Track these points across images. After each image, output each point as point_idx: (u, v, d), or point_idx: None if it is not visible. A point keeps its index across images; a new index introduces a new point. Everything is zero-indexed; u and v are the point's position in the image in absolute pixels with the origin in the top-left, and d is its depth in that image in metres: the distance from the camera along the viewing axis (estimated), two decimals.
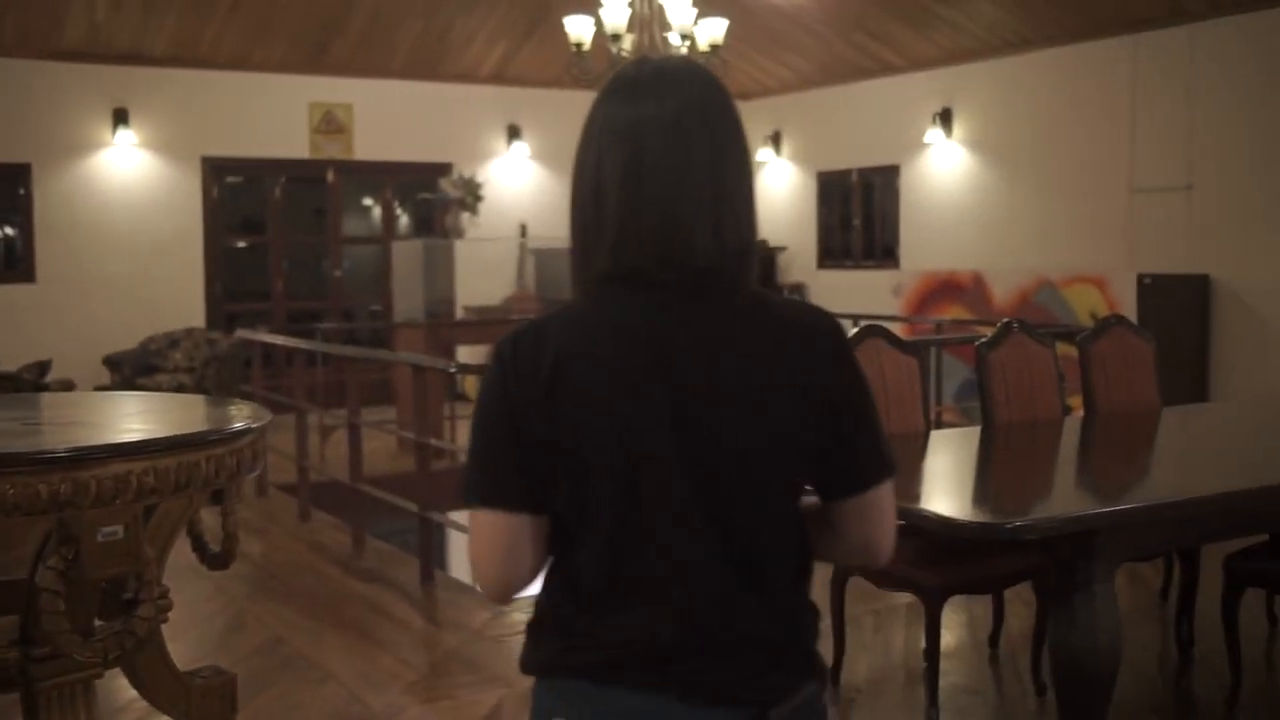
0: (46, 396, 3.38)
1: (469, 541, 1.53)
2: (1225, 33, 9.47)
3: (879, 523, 1.55)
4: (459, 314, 10.58)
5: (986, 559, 3.79)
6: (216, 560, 3.26)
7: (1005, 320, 4.76)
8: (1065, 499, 3.57)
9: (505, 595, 1.53)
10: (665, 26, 7.36)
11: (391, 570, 5.80)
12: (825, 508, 1.56)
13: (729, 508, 1.46)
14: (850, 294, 12.55)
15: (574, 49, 7.28)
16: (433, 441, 5.45)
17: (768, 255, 13.39)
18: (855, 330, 4.27)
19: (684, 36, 7.27)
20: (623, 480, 1.45)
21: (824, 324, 1.53)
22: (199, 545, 3.28)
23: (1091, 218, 10.42)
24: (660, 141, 1.47)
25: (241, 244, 12.23)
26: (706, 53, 7.28)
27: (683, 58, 1.73)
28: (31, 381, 7.44)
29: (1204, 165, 9.67)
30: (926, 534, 3.86)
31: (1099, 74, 10.37)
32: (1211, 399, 9.41)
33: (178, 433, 2.64)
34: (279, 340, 7.45)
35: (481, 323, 8.98)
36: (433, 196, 9.49)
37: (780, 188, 13.70)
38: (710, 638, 1.46)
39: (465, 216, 9.22)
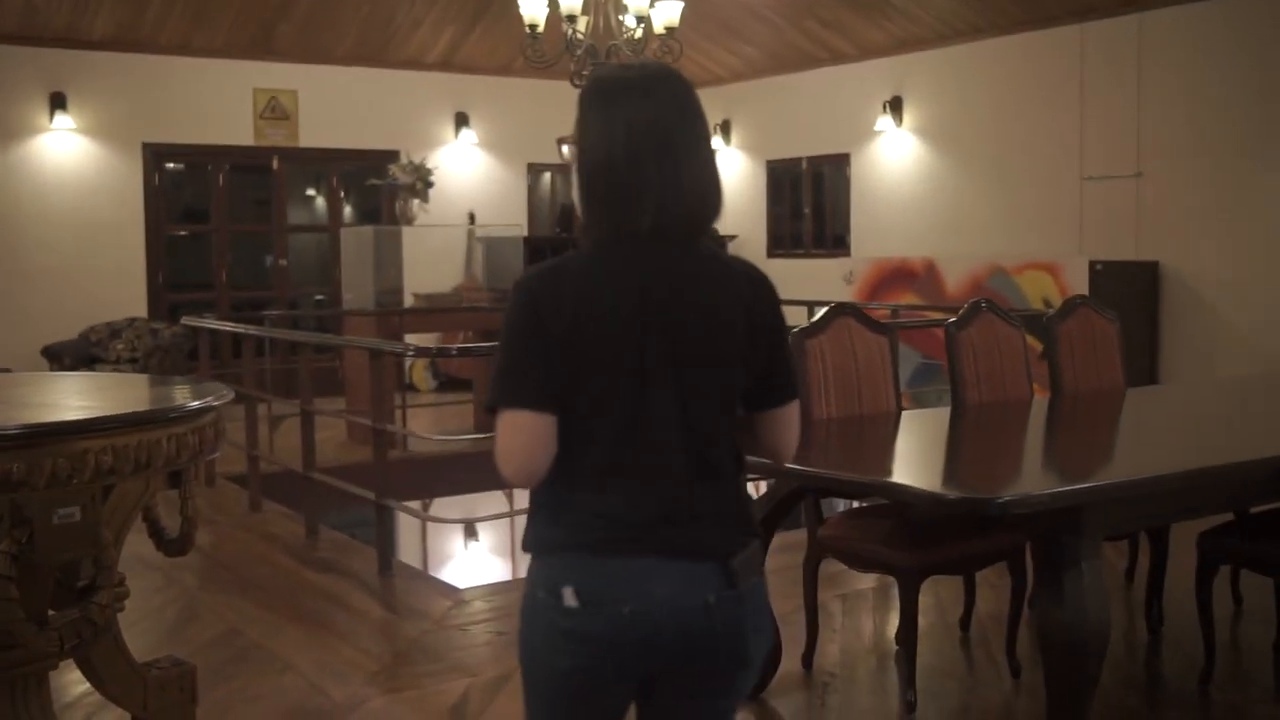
0: None
1: (498, 439, 1.86)
2: (1174, 21, 9.54)
3: (789, 430, 2.04)
4: (408, 302, 10.41)
5: (962, 539, 3.74)
6: (174, 546, 3.12)
7: (974, 300, 4.71)
8: (1050, 475, 3.53)
9: (531, 480, 1.88)
10: (620, 9, 7.27)
11: (347, 560, 5.66)
12: (748, 417, 2.01)
13: (697, 414, 1.89)
14: (801, 282, 12.51)
15: (528, 30, 7.15)
16: (389, 428, 5.31)
17: (717, 243, 13.33)
18: (825, 310, 4.19)
19: (639, 19, 7.18)
20: (627, 389, 1.86)
21: (759, 273, 1.99)
22: (155, 530, 3.14)
23: (1042, 205, 10.47)
24: (657, 130, 1.88)
25: (184, 232, 11.97)
26: (662, 35, 7.20)
27: (657, 62, 2.14)
28: None
29: (1153, 153, 9.74)
30: (899, 515, 3.82)
31: (1049, 62, 10.42)
32: (1161, 382, 9.48)
33: (137, 409, 2.52)
34: (227, 327, 7.27)
35: (431, 310, 8.83)
36: (382, 182, 9.31)
37: (729, 176, 13.64)
38: (681, 511, 1.88)
39: (415, 203, 9.06)
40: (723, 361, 1.90)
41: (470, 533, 7.18)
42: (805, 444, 4.03)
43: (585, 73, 7.27)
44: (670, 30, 7.14)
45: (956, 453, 4.00)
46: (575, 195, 1.97)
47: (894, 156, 11.82)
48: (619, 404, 1.87)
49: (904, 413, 4.29)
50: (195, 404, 2.62)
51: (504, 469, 1.88)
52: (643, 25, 7.26)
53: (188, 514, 3.00)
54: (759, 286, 1.97)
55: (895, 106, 11.71)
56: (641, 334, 1.86)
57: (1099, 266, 9.30)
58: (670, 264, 1.89)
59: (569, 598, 1.86)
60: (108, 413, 2.49)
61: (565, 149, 1.99)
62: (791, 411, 2.03)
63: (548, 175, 13.30)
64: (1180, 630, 4.38)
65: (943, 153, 11.39)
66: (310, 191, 13.26)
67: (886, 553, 3.72)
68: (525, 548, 1.96)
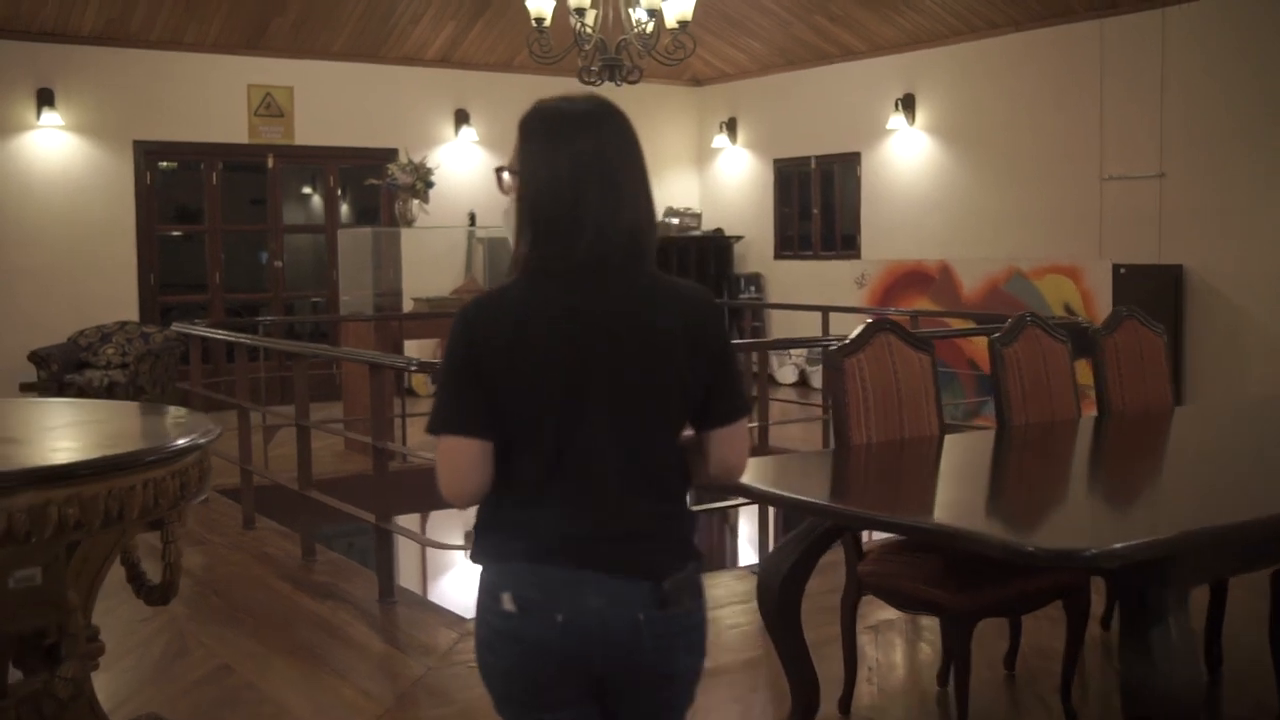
0: None
1: (438, 463, 1.95)
2: (1199, 15, 9.23)
3: (738, 448, 2.06)
4: (407, 305, 10.08)
5: (1018, 577, 3.43)
6: (155, 594, 2.82)
7: (1020, 314, 4.40)
8: (1133, 519, 3.18)
9: (466, 501, 1.98)
10: (631, 2, 6.94)
11: (345, 584, 5.35)
12: (698, 437, 2.04)
13: (635, 434, 1.95)
14: (810, 284, 12.23)
15: (534, 24, 6.84)
16: (390, 446, 4.99)
17: (724, 244, 13.04)
18: (864, 326, 3.87)
19: (651, 12, 6.86)
20: (563, 412, 1.92)
21: (705, 296, 2.04)
22: (134, 575, 2.84)
23: (1061, 206, 10.16)
24: (600, 163, 1.94)
25: (176, 233, 11.65)
26: (674, 29, 6.88)
27: (598, 95, 2.10)
28: None
29: (1176, 153, 9.44)
30: (946, 550, 3.51)
31: (1068, 58, 10.11)
32: (1186, 392, 9.18)
33: (107, 453, 2.20)
34: (220, 335, 6.94)
35: (433, 315, 8.50)
36: (381, 183, 8.99)
37: (735, 175, 13.33)
38: (618, 528, 1.95)
39: (415, 204, 8.74)
40: (660, 383, 1.97)
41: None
42: (842, 475, 3.78)
43: (594, 68, 6.96)
44: (683, 24, 6.83)
45: (1016, 487, 3.68)
46: (510, 223, 2.02)
47: (906, 155, 11.50)
48: (557, 425, 1.94)
49: (946, 436, 3.98)
50: (176, 444, 2.31)
51: (442, 491, 1.99)
52: (653, 19, 6.94)
53: (170, 560, 2.69)
54: (702, 307, 2.02)
55: (908, 104, 11.40)
56: (579, 357, 1.93)
57: (1122, 270, 8.99)
58: (609, 290, 1.96)
59: (506, 602, 1.97)
60: (73, 456, 2.18)
61: (505, 176, 1.89)
62: (740, 429, 2.07)
63: None
64: (1242, 671, 4.07)
65: (957, 152, 11.08)
66: (306, 190, 12.95)
67: (936, 594, 3.41)
68: (472, 558, 2.06)
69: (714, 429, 2.04)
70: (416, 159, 11.32)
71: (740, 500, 5.36)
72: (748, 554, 7.08)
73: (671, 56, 6.87)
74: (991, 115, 10.72)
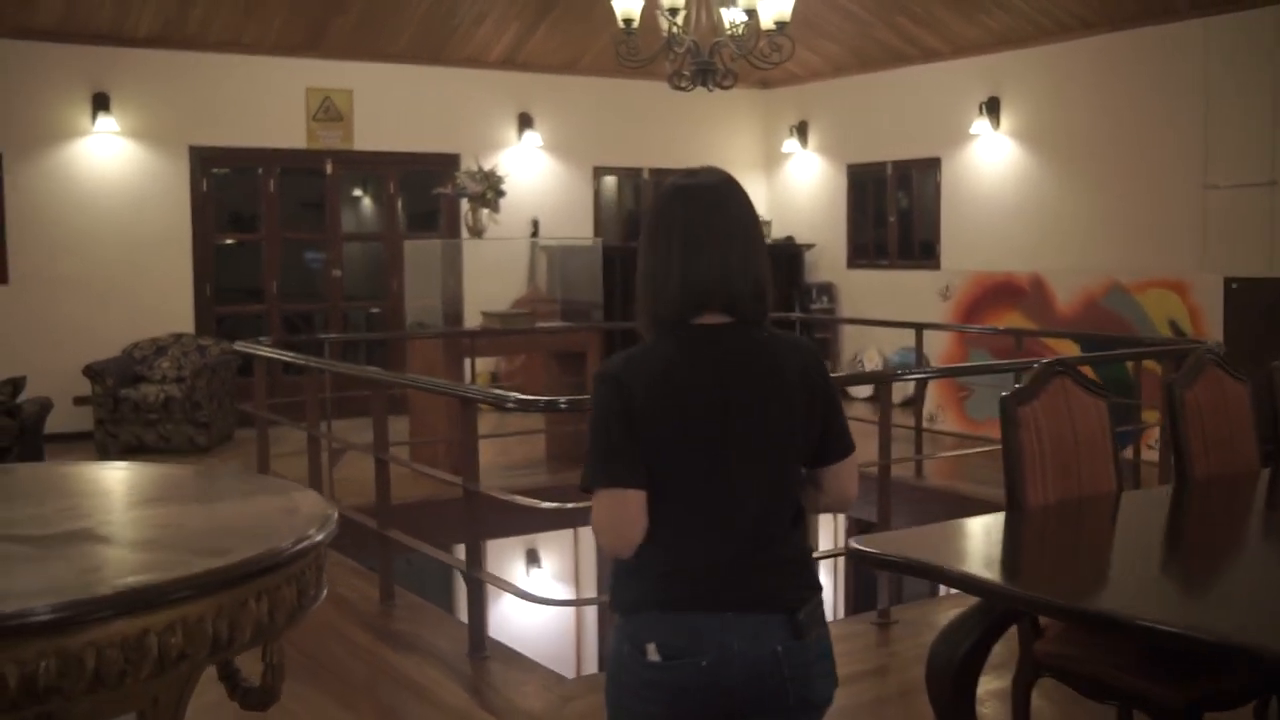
0: (12, 477, 2.49)
1: (596, 515, 2.07)
2: None
3: (850, 481, 2.26)
4: (473, 319, 9.66)
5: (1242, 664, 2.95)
6: (253, 698, 2.40)
7: (1200, 347, 3.92)
8: None
9: (629, 550, 2.08)
10: (726, 1, 6.48)
11: (430, 634, 4.93)
12: (814, 473, 2.23)
13: (766, 478, 2.13)
14: (884, 295, 11.75)
15: (621, 25, 6.40)
16: (483, 489, 4.56)
17: (794, 253, 12.57)
18: (1039, 367, 3.40)
19: (748, 12, 6.40)
20: (704, 459, 2.09)
21: (813, 349, 2.26)
22: (228, 674, 2.42)
23: (1160, 216, 9.62)
24: (723, 234, 2.12)
25: (232, 241, 11.30)
26: (771, 31, 6.43)
27: (720, 170, 2.23)
28: (2, 404, 6.55)
29: None
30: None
31: (1167, 59, 9.56)
32: None
33: (214, 560, 1.77)
34: (286, 357, 6.55)
35: (506, 332, 8.09)
36: (448, 191, 8.59)
37: (806, 181, 12.85)
38: (752, 565, 2.11)
39: (485, 213, 8.33)
40: (786, 428, 2.14)
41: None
42: (1020, 544, 3.31)
43: (685, 72, 6.51)
44: (780, 25, 6.38)
45: (1234, 565, 3.19)
46: (644, 287, 2.16)
47: (990, 161, 10.99)
48: (697, 473, 2.09)
49: (1124, 493, 3.51)
50: (295, 544, 1.88)
51: (603, 541, 2.10)
52: (748, 18, 6.48)
53: (272, 660, 2.26)
54: (813, 358, 2.21)
55: (992, 108, 10.87)
56: (717, 409, 2.09)
57: (1234, 284, 8.44)
58: (740, 346, 2.13)
59: (652, 653, 2.07)
60: (171, 564, 1.76)
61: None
62: (850, 464, 2.26)
63: (614, 179, 12.55)
64: None
65: (1045, 158, 10.55)
66: (357, 193, 12.58)
67: (1142, 684, 2.93)
68: (612, 607, 2.18)
69: (830, 465, 2.23)
70: (480, 165, 10.98)
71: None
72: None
73: (767, 60, 6.41)
74: (1083, 120, 10.18)
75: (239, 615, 1.75)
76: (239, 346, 6.93)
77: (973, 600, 3.05)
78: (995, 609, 3.05)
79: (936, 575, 3.04)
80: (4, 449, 6.52)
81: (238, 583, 1.74)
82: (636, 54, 6.41)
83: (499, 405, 4.40)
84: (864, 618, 5.23)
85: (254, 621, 1.77)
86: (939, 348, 10.18)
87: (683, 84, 6.50)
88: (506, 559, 7.91)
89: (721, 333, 2.12)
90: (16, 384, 6.85)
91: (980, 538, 3.28)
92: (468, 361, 8.31)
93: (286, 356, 6.50)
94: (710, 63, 6.41)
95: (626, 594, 2.14)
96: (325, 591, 2.09)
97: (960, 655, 3.03)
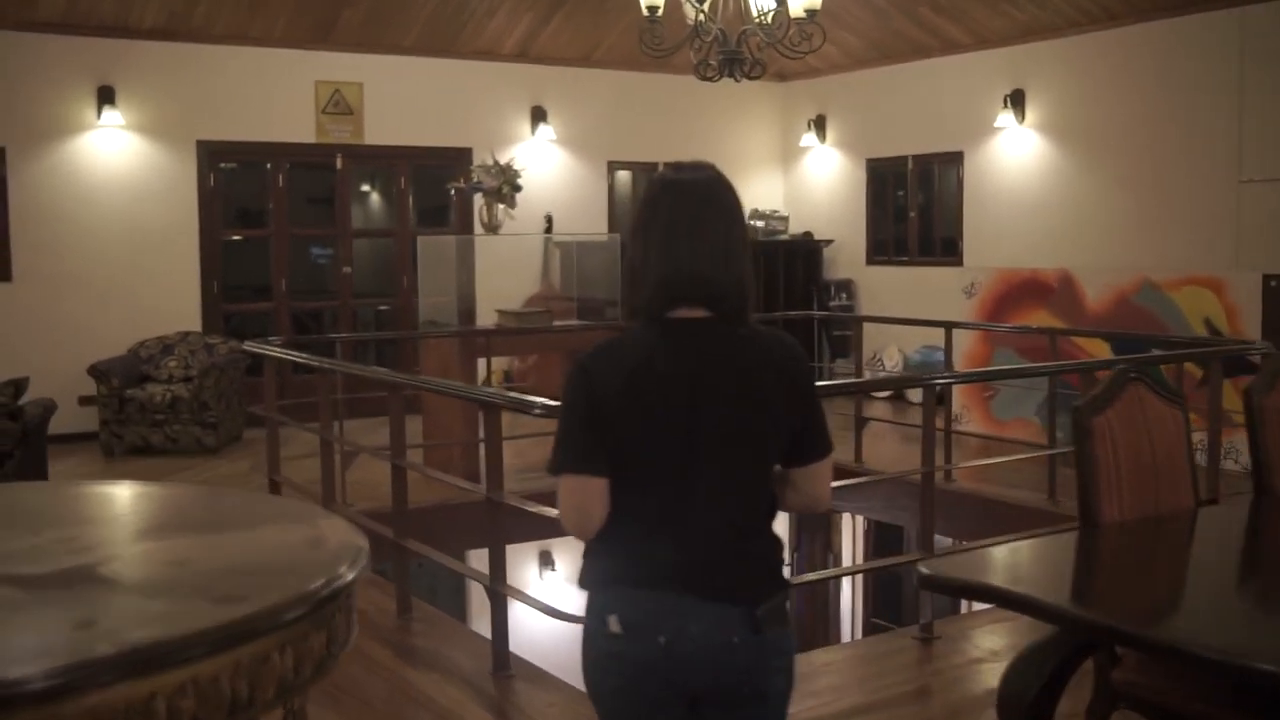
0: (9, 499, 2.26)
1: (560, 499, 2.16)
2: None
3: (824, 483, 2.29)
4: (485, 317, 9.43)
5: None
6: None
7: (1272, 353, 3.68)
8: None
9: (587, 533, 2.17)
10: None
11: (450, 650, 4.70)
12: (787, 472, 2.27)
13: (734, 472, 2.17)
14: (905, 292, 11.51)
15: (646, 13, 6.15)
16: (507, 499, 4.32)
17: (813, 249, 12.32)
18: (1114, 373, 3.16)
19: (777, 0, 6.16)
20: (671, 450, 2.14)
21: (795, 347, 2.25)
22: None
23: (1192, 212, 9.36)
24: (705, 230, 2.15)
25: (240, 237, 11.06)
26: (800, 19, 6.18)
27: (709, 165, 2.24)
28: (4, 406, 6.32)
29: None
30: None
31: (1200, 51, 9.30)
32: None
33: (234, 609, 1.54)
34: (299, 358, 6.31)
35: (522, 331, 7.86)
36: (462, 186, 8.35)
37: (824, 176, 12.60)
38: (717, 557, 2.16)
39: (500, 209, 8.09)
40: (758, 425, 2.16)
41: None
42: (1096, 565, 3.07)
43: (712, 62, 6.27)
44: (811, 12, 6.13)
45: None
46: (627, 278, 2.21)
47: (1015, 155, 10.73)
48: (668, 462, 2.13)
49: (1201, 509, 3.27)
50: (323, 586, 1.65)
51: (565, 525, 2.16)
52: (778, 8, 6.24)
53: (294, 708, 2.03)
54: (792, 356, 2.21)
55: (1016, 100, 10.62)
56: (689, 401, 2.11)
57: (1274, 282, 8.19)
58: (714, 341, 2.14)
59: (613, 624, 2.13)
60: (182, 614, 1.52)
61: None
62: (825, 465, 2.27)
63: (629, 174, 12.30)
64: None
65: (1072, 152, 10.30)
66: (371, 190, 12.35)
67: (1227, 717, 2.70)
68: (580, 584, 2.24)
69: (803, 466, 2.25)
70: (492, 159, 10.76)
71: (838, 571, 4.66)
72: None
73: (796, 49, 6.17)
74: (1112, 113, 9.92)
75: (260, 672, 1.51)
76: (249, 346, 6.71)
77: (1021, 617, 2.82)
78: (1062, 649, 2.82)
79: (1014, 602, 2.80)
80: (6, 453, 6.29)
81: (259, 635, 1.51)
82: (660, 43, 6.16)
83: (523, 412, 4.15)
84: (904, 633, 5.00)
85: (277, 678, 1.54)
86: (963, 346, 9.94)
87: (709, 74, 6.25)
88: (524, 566, 7.69)
89: (699, 326, 2.15)
90: (19, 385, 6.62)
91: (1052, 558, 3.04)
92: (482, 361, 8.08)
93: (298, 357, 6.27)
94: (738, 51, 6.17)
95: (594, 571, 2.22)
96: (355, 633, 1.85)
97: (1033, 693, 2.80)
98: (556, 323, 8.36)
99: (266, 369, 6.53)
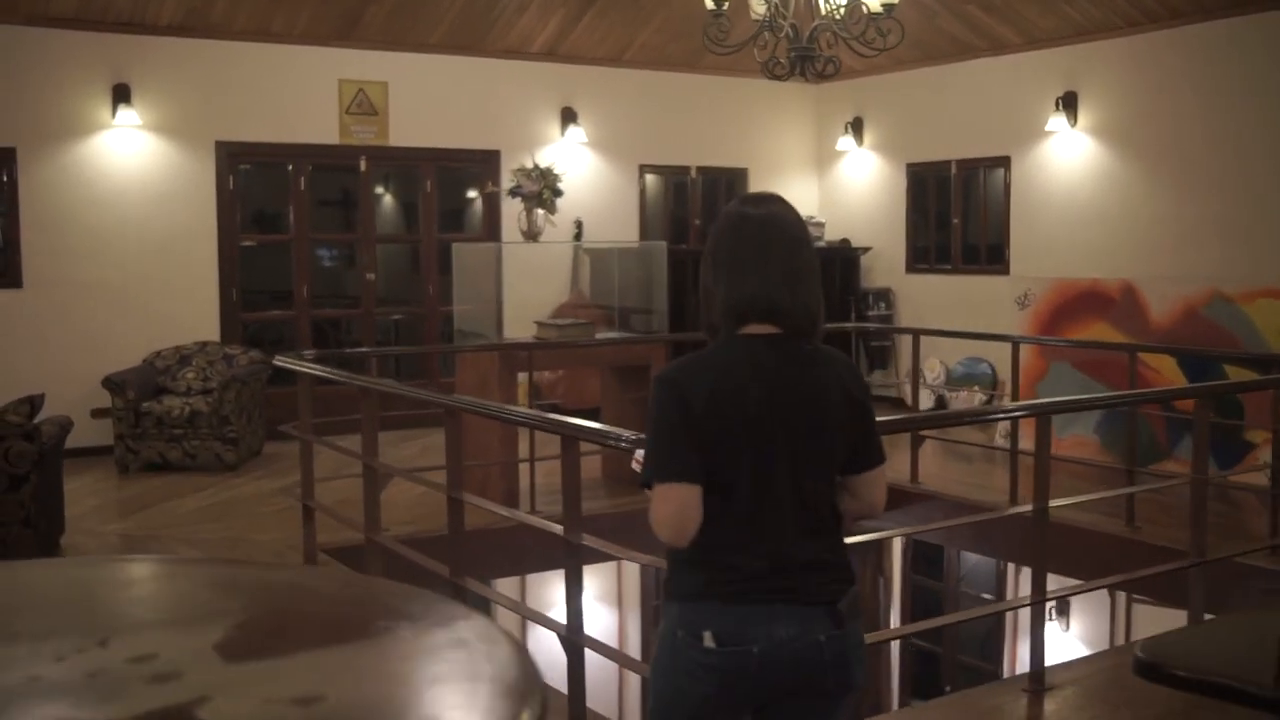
0: (30, 583, 1.80)
1: (655, 508, 2.27)
2: None
3: (880, 490, 2.46)
4: (513, 329, 8.97)
5: None
6: None
7: None
8: None
9: (685, 541, 2.27)
10: None
11: None
12: (846, 480, 2.43)
13: (807, 480, 2.33)
14: (947, 302, 11.08)
15: (710, 7, 5.72)
16: (586, 541, 3.87)
17: (850, 257, 11.89)
18: None
19: None
20: (754, 460, 2.29)
21: (850, 363, 2.44)
22: None
23: (1263, 220, 8.93)
24: (777, 255, 2.33)
25: (260, 243, 10.64)
26: (877, 14, 5.76)
27: (779, 196, 2.43)
28: (20, 426, 5.88)
29: None
30: None
31: (1267, 51, 8.87)
32: None
33: None
34: (340, 377, 5.86)
35: (567, 344, 7.41)
36: (496, 189, 7.94)
37: (861, 180, 12.17)
38: (800, 564, 2.31)
39: (541, 214, 7.67)
40: (828, 435, 2.34)
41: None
42: None
43: (781, 60, 5.84)
44: (888, 8, 5.71)
45: None
46: (703, 299, 2.41)
47: (1066, 160, 10.30)
48: (748, 473, 2.29)
49: None
50: None
51: (661, 533, 2.28)
52: (851, 1, 5.82)
53: None
54: (850, 371, 2.41)
55: (1069, 103, 10.19)
56: (766, 415, 2.29)
57: None
58: (786, 358, 2.32)
59: (708, 639, 2.27)
60: None
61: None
62: (881, 473, 2.45)
63: (660, 179, 11.87)
64: None
65: (1129, 157, 9.87)
66: (379, 190, 11.92)
67: None
68: (668, 594, 2.38)
69: (861, 473, 2.40)
70: (532, 163, 10.36)
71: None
72: None
73: (872, 46, 5.74)
74: (1173, 116, 9.49)
75: None
76: (280, 361, 6.26)
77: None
78: None
79: (1227, 693, 2.36)
80: (22, 476, 5.86)
81: None
82: (725, 38, 5.73)
83: (607, 444, 3.70)
84: (1011, 684, 4.55)
85: None
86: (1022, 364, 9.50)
87: (778, 72, 5.82)
88: (548, 591, 7.24)
89: (770, 342, 2.32)
90: (34, 402, 6.19)
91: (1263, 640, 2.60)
92: (521, 375, 7.65)
93: (335, 375, 5.83)
94: (810, 48, 5.73)
95: (684, 584, 2.34)
96: None
97: None
98: (600, 335, 7.92)
99: (300, 386, 6.09)
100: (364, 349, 9.08)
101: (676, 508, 2.24)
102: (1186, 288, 8.60)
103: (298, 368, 6.03)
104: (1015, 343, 7.64)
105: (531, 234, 7.63)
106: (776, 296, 2.29)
